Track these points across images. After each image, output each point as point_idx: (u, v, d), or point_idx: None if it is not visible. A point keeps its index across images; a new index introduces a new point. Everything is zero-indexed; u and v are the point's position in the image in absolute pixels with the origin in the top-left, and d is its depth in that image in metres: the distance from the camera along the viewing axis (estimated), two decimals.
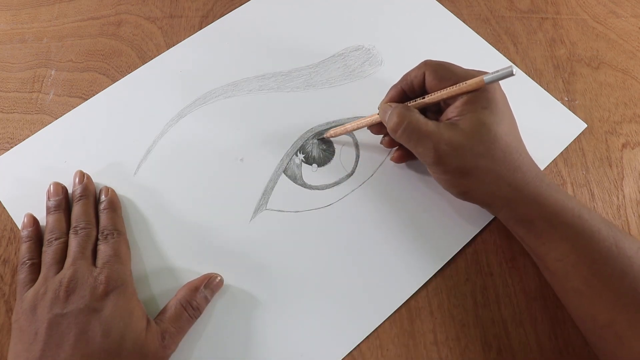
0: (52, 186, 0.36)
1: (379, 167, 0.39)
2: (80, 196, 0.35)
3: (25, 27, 0.46)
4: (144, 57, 0.44)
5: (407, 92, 0.34)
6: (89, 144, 0.39)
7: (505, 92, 0.33)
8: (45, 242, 0.33)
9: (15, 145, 0.39)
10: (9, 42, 0.45)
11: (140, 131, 0.40)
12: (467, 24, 0.45)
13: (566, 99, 0.42)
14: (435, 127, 0.31)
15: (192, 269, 0.35)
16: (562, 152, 0.40)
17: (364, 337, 0.33)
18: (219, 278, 0.34)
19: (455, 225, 0.36)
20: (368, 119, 0.36)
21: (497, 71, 0.29)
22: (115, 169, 0.38)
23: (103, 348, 0.28)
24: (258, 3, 0.46)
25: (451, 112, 0.32)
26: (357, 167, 0.39)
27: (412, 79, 0.33)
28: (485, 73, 0.30)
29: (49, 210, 0.35)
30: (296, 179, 0.38)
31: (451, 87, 0.31)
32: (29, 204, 0.36)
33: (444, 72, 0.32)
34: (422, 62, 0.33)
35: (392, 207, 0.37)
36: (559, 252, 0.30)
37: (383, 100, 0.35)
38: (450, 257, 0.35)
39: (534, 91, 0.42)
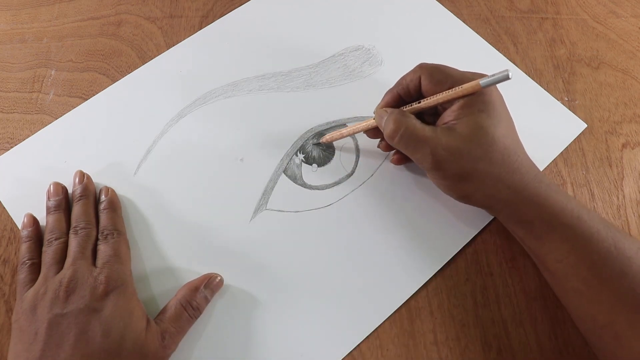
0: (52, 186, 0.36)
1: (379, 167, 0.39)
2: (80, 196, 0.35)
3: (25, 27, 0.46)
4: (144, 57, 0.44)
5: (402, 96, 0.34)
6: (89, 144, 0.39)
7: (505, 92, 0.33)
8: (45, 242, 0.34)
9: (15, 145, 0.39)
10: (9, 42, 0.45)
11: (140, 131, 0.40)
12: (467, 24, 0.45)
13: (566, 99, 0.42)
14: (432, 132, 0.31)
15: (192, 269, 0.35)
16: (562, 152, 0.40)
17: (364, 337, 0.33)
18: (219, 278, 0.34)
19: (455, 226, 0.36)
20: (364, 124, 0.36)
21: (494, 75, 0.29)
22: (115, 169, 0.38)
23: (103, 348, 0.28)
24: (258, 3, 0.46)
25: (448, 115, 0.32)
26: (357, 167, 0.39)
27: (408, 83, 0.33)
28: (481, 75, 0.30)
29: (49, 210, 0.35)
30: (296, 179, 0.38)
31: (447, 91, 0.31)
32: (29, 204, 0.36)
33: (439, 76, 0.32)
34: (417, 66, 0.33)
35: (392, 207, 0.37)
36: (559, 253, 0.30)
37: (378, 105, 0.35)
38: (451, 257, 0.35)
39: (534, 91, 0.42)
